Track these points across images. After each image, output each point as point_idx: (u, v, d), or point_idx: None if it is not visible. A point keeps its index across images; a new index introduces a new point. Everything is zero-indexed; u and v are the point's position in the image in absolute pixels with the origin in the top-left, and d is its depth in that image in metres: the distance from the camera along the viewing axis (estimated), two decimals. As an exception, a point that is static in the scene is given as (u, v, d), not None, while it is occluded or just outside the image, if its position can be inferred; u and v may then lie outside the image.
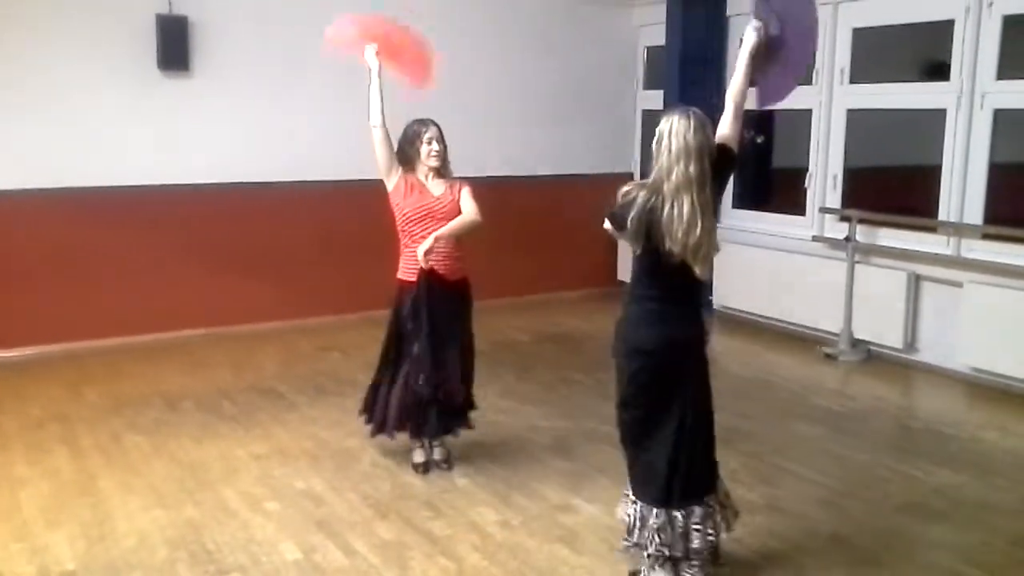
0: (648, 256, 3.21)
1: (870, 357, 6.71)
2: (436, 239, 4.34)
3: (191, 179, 7.01)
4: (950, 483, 4.50)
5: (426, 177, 4.50)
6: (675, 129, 3.11)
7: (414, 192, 4.45)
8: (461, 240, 4.53)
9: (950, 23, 6.19)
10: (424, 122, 4.51)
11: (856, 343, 6.74)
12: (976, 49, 6.08)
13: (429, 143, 4.46)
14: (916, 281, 6.48)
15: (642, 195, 3.14)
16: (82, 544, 3.81)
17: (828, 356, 6.71)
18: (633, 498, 3.39)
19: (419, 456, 4.64)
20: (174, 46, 6.78)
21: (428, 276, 4.39)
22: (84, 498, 4.25)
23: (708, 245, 3.13)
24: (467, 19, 8.02)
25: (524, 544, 3.84)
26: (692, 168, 3.08)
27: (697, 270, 3.16)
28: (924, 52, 6.95)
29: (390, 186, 4.50)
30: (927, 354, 6.46)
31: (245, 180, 7.19)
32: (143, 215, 6.93)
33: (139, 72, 6.77)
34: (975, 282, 6.05)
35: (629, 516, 3.39)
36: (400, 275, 4.53)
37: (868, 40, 6.92)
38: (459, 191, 4.52)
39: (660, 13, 7.95)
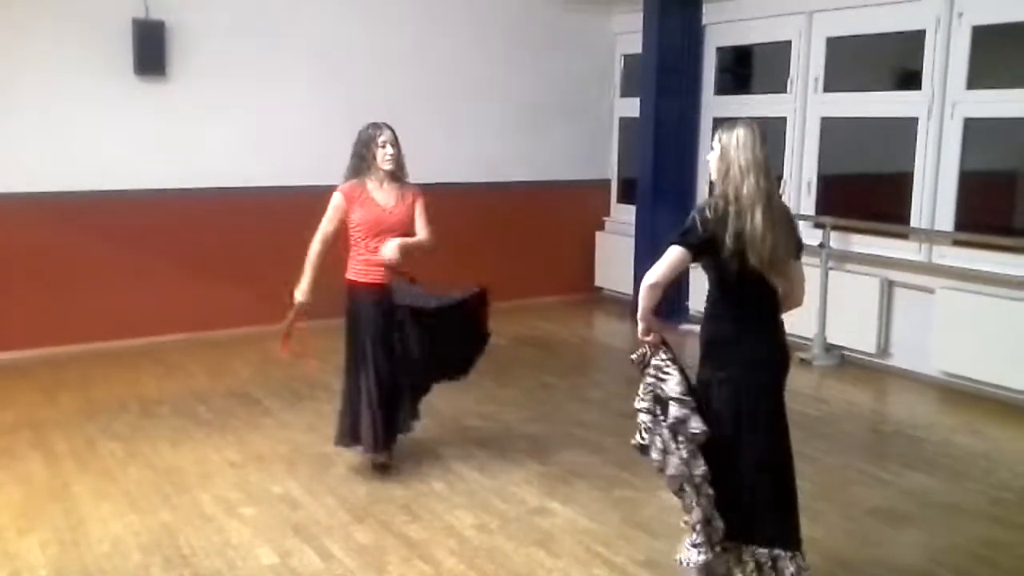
0: (737, 271, 3.08)
1: (844, 362, 6.78)
2: (400, 247, 4.38)
3: (168, 184, 6.98)
4: (921, 486, 4.55)
5: (380, 183, 4.49)
6: (742, 142, 3.09)
7: (364, 206, 4.46)
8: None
9: (921, 33, 6.29)
10: (379, 126, 4.49)
11: (830, 348, 6.81)
12: (947, 59, 6.17)
13: (383, 147, 4.44)
14: (889, 287, 6.56)
15: (731, 210, 3.03)
16: (55, 550, 3.78)
17: (802, 361, 6.77)
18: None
19: (382, 457, 4.62)
20: (151, 51, 6.75)
21: (379, 286, 4.44)
22: (57, 504, 4.22)
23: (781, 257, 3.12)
24: (446, 26, 8.05)
25: (501, 547, 3.85)
26: (762, 181, 3.06)
27: (775, 282, 3.15)
28: (896, 62, 7.05)
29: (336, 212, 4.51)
30: (900, 359, 6.54)
31: (221, 185, 7.17)
32: (119, 220, 6.89)
33: (115, 77, 6.74)
34: (947, 288, 6.14)
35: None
36: (351, 276, 4.54)
37: (842, 49, 7.01)
38: (412, 202, 4.53)
39: (637, 21, 8.02)
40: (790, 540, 3.16)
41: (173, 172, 7.00)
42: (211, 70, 7.07)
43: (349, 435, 4.55)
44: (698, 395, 3.11)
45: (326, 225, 4.54)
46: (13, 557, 3.72)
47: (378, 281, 4.48)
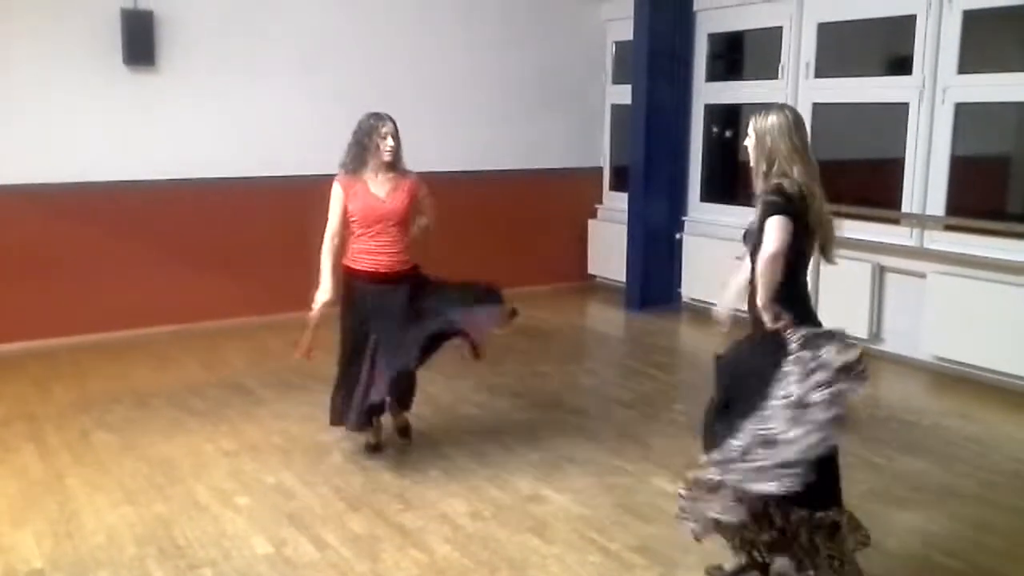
0: (806, 252, 3.15)
1: (836, 348, 6.79)
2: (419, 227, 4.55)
3: (158, 175, 6.96)
4: (913, 469, 4.58)
5: (376, 173, 4.50)
6: (779, 128, 3.07)
7: (360, 197, 4.47)
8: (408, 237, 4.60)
9: (912, 18, 6.28)
10: (380, 116, 4.48)
11: (822, 334, 6.82)
12: (937, 44, 6.17)
13: (384, 138, 4.44)
14: (880, 272, 6.58)
15: (800, 192, 3.03)
16: (49, 542, 3.78)
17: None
18: None
19: (373, 436, 4.71)
20: (139, 41, 6.72)
21: (378, 274, 4.49)
22: (51, 496, 4.22)
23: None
24: (435, 14, 8.03)
25: (495, 535, 3.86)
26: (810, 162, 3.07)
27: (832, 259, 3.21)
28: (887, 47, 7.05)
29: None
30: (891, 344, 6.56)
31: (212, 176, 7.15)
32: (110, 212, 6.87)
33: (104, 68, 6.71)
34: (938, 272, 6.15)
35: None
36: (348, 263, 4.57)
37: (833, 35, 7.00)
38: (408, 192, 4.54)
39: (628, 8, 7.99)
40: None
41: (163, 163, 6.97)
42: (200, 60, 7.04)
43: (343, 415, 4.58)
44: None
45: (331, 219, 4.54)
46: (8, 550, 3.72)
47: (374, 268, 4.50)
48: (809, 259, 3.19)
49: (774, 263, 2.98)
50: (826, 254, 3.21)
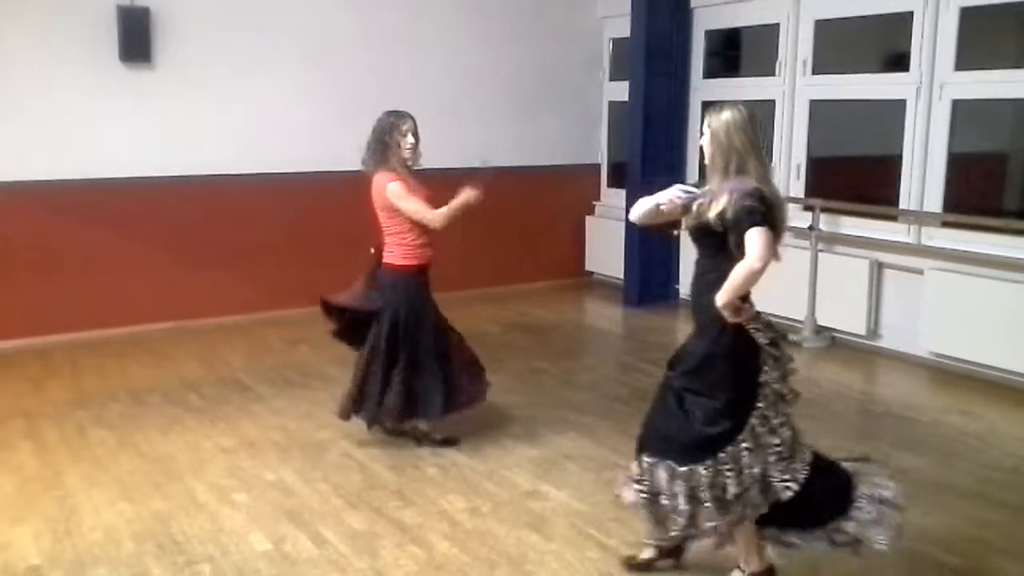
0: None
1: (834, 344, 6.81)
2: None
3: (154, 172, 6.94)
4: (912, 466, 4.57)
5: (403, 169, 4.54)
6: (734, 125, 3.10)
7: (415, 191, 4.55)
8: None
9: (909, 15, 6.28)
10: (401, 115, 4.53)
11: (820, 330, 6.84)
12: (935, 41, 6.17)
13: (405, 136, 4.49)
14: (878, 269, 6.58)
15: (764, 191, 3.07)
16: (48, 539, 3.78)
17: (792, 343, 6.80)
18: None
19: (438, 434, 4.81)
20: (136, 38, 6.70)
21: (427, 267, 4.65)
22: (49, 493, 4.21)
23: None
24: (432, 12, 8.02)
25: (494, 531, 3.86)
26: (763, 158, 3.12)
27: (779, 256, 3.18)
28: (884, 43, 7.05)
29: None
30: (889, 340, 6.57)
31: (209, 173, 7.14)
32: (106, 209, 6.85)
33: (100, 64, 6.69)
34: (936, 269, 6.16)
35: None
36: (402, 261, 4.60)
37: (830, 32, 7.00)
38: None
39: (625, 4, 7.99)
40: None
41: (159, 159, 6.96)
42: (197, 57, 7.02)
43: (407, 411, 4.64)
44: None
45: (422, 206, 4.52)
46: (6, 547, 3.71)
47: (428, 261, 4.66)
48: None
49: (759, 277, 2.99)
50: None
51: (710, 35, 8.04)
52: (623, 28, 8.18)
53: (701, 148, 3.26)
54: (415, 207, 4.49)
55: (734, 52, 8.36)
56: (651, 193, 3.41)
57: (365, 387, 4.63)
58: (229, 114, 7.20)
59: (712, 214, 3.06)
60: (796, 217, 7.19)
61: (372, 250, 4.74)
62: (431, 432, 4.77)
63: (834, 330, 6.83)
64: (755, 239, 2.95)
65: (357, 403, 4.67)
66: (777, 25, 7.26)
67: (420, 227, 4.56)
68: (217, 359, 6.42)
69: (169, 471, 4.48)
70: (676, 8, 7.92)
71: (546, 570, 3.55)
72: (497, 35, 8.37)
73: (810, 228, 6.79)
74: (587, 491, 4.25)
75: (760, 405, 3.12)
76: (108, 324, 6.86)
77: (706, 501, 3.10)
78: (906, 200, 6.45)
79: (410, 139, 4.50)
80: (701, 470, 3.09)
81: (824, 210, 6.83)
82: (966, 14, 6.01)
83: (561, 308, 8.21)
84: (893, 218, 6.58)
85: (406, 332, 4.59)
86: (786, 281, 6.97)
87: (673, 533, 3.24)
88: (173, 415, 5.27)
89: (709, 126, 3.18)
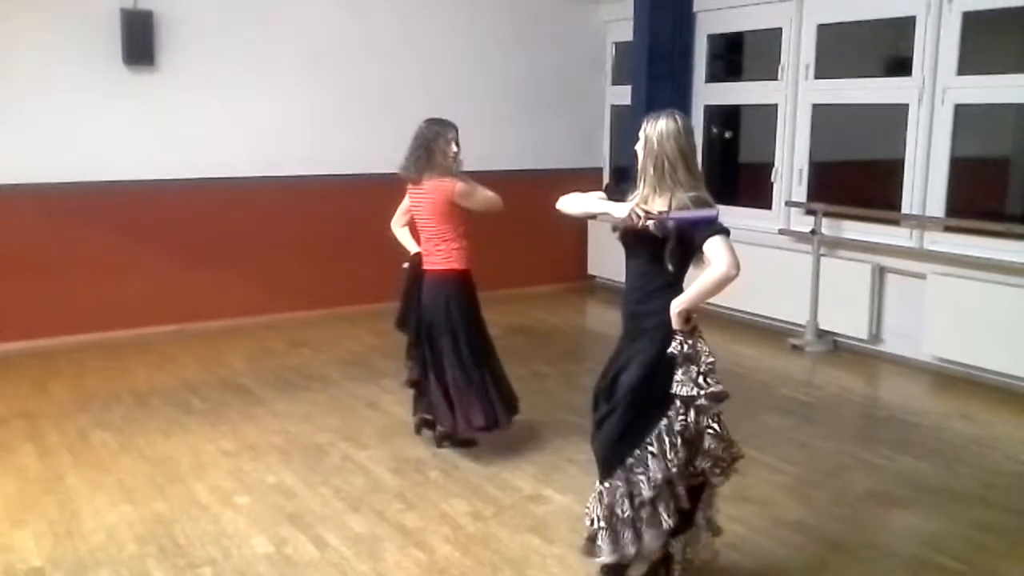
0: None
1: (836, 348, 6.81)
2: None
3: (158, 175, 6.95)
4: (914, 470, 4.58)
5: (441, 177, 4.59)
6: (668, 133, 3.13)
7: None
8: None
9: (912, 19, 6.29)
10: (446, 124, 4.64)
11: (822, 334, 6.83)
12: (937, 45, 6.17)
13: (450, 143, 4.59)
14: (880, 273, 6.58)
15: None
16: (49, 541, 3.77)
17: (795, 347, 6.80)
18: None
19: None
20: (139, 41, 6.71)
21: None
22: (51, 495, 4.21)
23: None
24: (436, 16, 8.02)
25: (496, 534, 3.86)
26: (693, 167, 3.15)
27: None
28: (887, 48, 7.06)
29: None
30: (891, 344, 6.56)
31: (212, 175, 7.14)
32: (109, 211, 6.86)
33: (104, 68, 6.70)
34: (938, 273, 6.16)
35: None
36: (464, 265, 4.68)
37: (833, 36, 7.01)
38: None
39: (628, 8, 7.99)
40: None
41: (162, 162, 6.96)
42: (200, 59, 7.03)
43: (507, 412, 4.70)
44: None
45: (489, 193, 4.69)
46: (7, 549, 3.71)
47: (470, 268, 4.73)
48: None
49: (728, 284, 2.99)
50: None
51: (712, 39, 8.04)
52: (626, 32, 8.19)
53: (635, 152, 3.27)
54: (487, 195, 4.63)
55: (736, 56, 8.36)
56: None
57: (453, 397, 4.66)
58: (232, 117, 7.21)
59: (651, 222, 3.08)
60: (798, 222, 7.20)
61: (405, 265, 4.76)
62: (453, 434, 4.77)
63: (836, 334, 6.83)
64: (721, 246, 2.98)
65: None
66: (780, 29, 7.27)
67: (463, 231, 4.63)
68: (219, 362, 6.42)
69: (171, 473, 4.47)
70: (679, 12, 7.91)
71: (548, 574, 3.54)
72: (500, 39, 8.38)
73: (812, 232, 6.79)
74: (589, 495, 4.24)
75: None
76: (110, 326, 6.87)
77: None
78: (908, 204, 6.45)
79: (454, 147, 4.58)
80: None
81: (826, 214, 6.83)
82: (968, 19, 6.01)
83: (563, 312, 8.21)
84: (895, 222, 6.58)
85: (478, 329, 4.70)
86: (788, 285, 7.01)
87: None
88: (175, 418, 5.27)
89: (644, 132, 3.20)
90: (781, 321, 7.20)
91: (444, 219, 4.59)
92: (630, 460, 3.18)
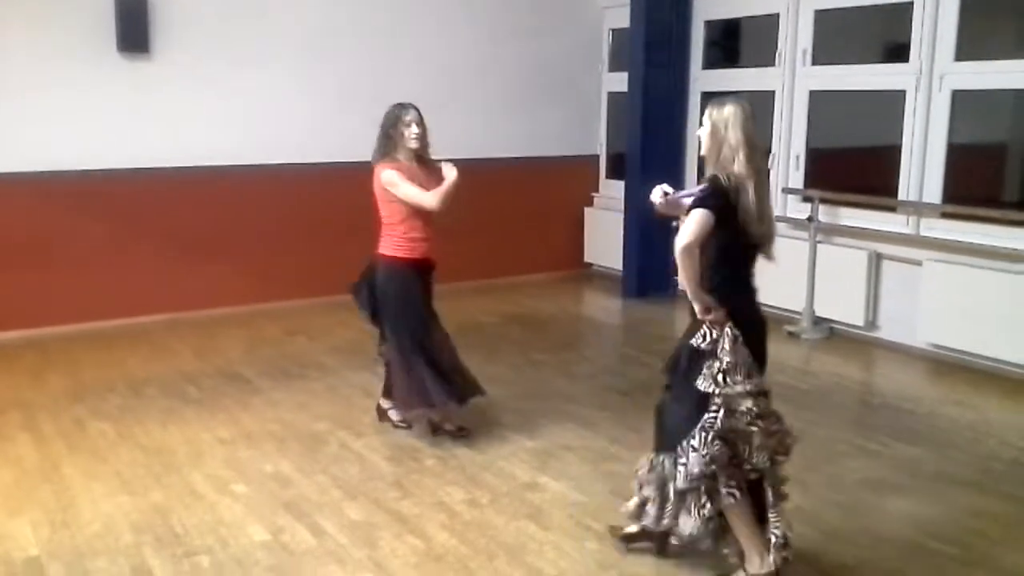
0: (739, 245, 3.17)
1: (832, 335, 6.81)
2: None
3: (152, 163, 6.93)
4: (909, 457, 4.59)
5: (410, 161, 4.57)
6: (732, 120, 3.14)
7: (414, 181, 4.54)
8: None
9: (909, 5, 6.26)
10: (404, 106, 4.58)
11: (818, 321, 6.83)
12: (935, 31, 6.15)
13: (408, 126, 4.52)
14: (877, 260, 6.58)
15: (732, 184, 3.10)
16: (46, 530, 3.77)
17: (791, 335, 6.80)
18: None
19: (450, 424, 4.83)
20: (133, 28, 6.68)
21: (421, 260, 4.66)
22: (47, 485, 4.21)
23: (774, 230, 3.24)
24: (432, 2, 7.98)
25: (492, 521, 3.86)
26: (753, 158, 3.13)
27: (770, 256, 3.22)
28: (884, 34, 7.03)
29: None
30: (888, 331, 6.57)
31: (207, 164, 7.12)
32: (104, 200, 6.84)
33: (97, 55, 6.66)
34: (934, 260, 6.16)
35: None
36: (396, 253, 4.61)
37: (830, 22, 6.98)
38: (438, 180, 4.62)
39: (624, -5, 7.96)
40: None
41: (157, 150, 6.94)
42: (195, 47, 7.00)
43: (421, 401, 4.63)
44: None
45: (414, 190, 4.51)
46: (4, 539, 3.71)
47: (419, 256, 4.64)
48: (752, 253, 3.21)
49: (686, 255, 3.03)
50: (764, 251, 3.21)
51: (710, 25, 8.01)
52: (622, 19, 8.15)
53: (699, 138, 3.28)
54: (409, 191, 4.50)
55: (734, 42, 8.33)
56: (650, 187, 3.45)
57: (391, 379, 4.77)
58: (227, 105, 7.18)
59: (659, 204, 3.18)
60: (795, 208, 7.19)
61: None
62: (442, 423, 4.78)
63: (832, 321, 6.83)
64: (689, 218, 3.05)
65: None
66: (777, 15, 7.24)
67: (414, 220, 4.57)
68: (215, 351, 6.41)
69: (167, 463, 4.47)
70: (675, -1, 7.90)
71: (544, 561, 3.55)
72: (497, 25, 8.34)
73: (809, 219, 6.78)
74: (585, 482, 4.26)
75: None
76: (106, 316, 6.86)
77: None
78: (905, 191, 6.44)
79: (414, 129, 4.53)
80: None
81: (823, 201, 6.82)
82: (966, 4, 5.98)
83: (560, 300, 8.20)
84: (892, 209, 6.57)
85: (397, 316, 4.65)
86: (785, 272, 6.98)
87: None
88: (171, 407, 5.27)
89: (710, 118, 3.20)
90: (777, 308, 7.18)
91: (383, 204, 4.60)
92: (679, 447, 3.20)
